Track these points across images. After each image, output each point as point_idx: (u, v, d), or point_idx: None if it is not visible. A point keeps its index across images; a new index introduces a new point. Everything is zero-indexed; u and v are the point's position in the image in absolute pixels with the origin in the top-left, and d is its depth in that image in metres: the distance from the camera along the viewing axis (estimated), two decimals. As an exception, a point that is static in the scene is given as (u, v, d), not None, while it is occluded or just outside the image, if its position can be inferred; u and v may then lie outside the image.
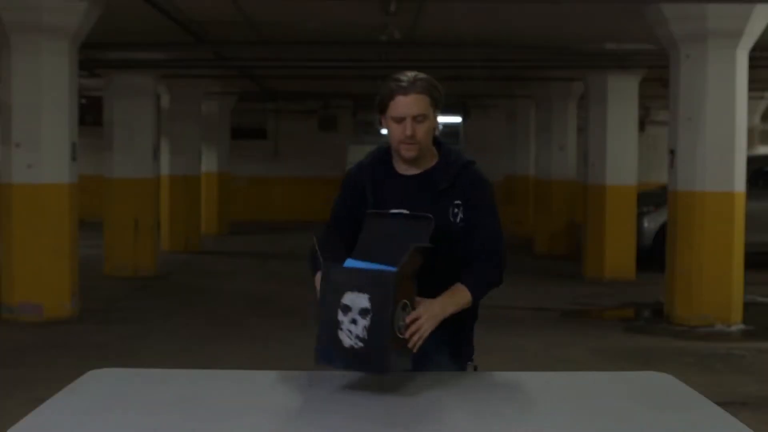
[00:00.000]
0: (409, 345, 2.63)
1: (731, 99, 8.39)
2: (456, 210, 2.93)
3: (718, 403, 2.63)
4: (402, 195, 2.94)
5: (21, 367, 6.79)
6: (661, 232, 11.30)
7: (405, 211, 2.88)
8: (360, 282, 2.55)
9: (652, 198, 12.73)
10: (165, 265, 12.47)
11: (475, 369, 3.10)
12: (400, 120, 2.87)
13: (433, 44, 11.26)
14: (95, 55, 10.97)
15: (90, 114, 16.52)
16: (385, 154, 3.05)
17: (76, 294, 8.73)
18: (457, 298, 2.87)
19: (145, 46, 11.24)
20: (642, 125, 16.95)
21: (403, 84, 2.86)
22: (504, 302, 10.03)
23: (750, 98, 9.61)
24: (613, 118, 11.76)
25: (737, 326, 8.46)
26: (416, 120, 2.86)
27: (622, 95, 11.78)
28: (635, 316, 9.69)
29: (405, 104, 2.85)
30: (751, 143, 15.21)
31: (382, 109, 2.91)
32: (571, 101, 14.57)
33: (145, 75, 11.75)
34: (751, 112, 14.06)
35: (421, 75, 2.91)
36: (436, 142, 3.03)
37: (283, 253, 14.60)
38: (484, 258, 2.95)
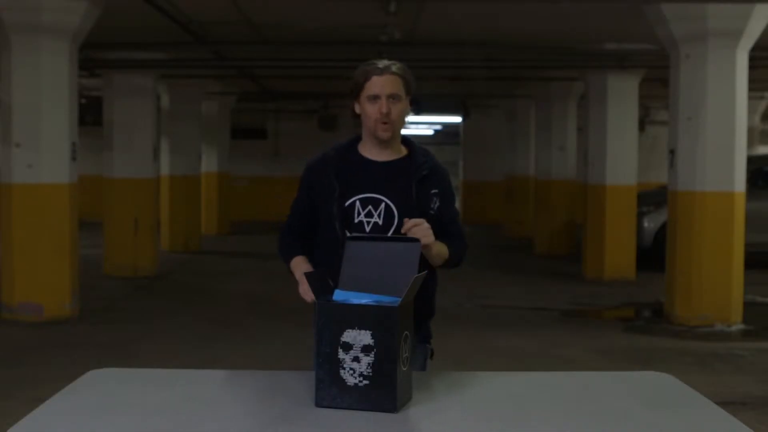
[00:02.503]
0: (405, 230, 2.75)
1: (731, 99, 8.39)
2: (435, 199, 3.01)
3: (718, 403, 2.64)
4: (374, 179, 2.97)
5: (21, 367, 6.79)
6: (661, 232, 11.32)
7: (373, 232, 2.92)
8: (360, 318, 2.47)
9: (652, 198, 12.73)
10: (165, 265, 12.47)
11: (432, 353, 3.16)
12: (375, 99, 2.93)
13: (433, 44, 11.26)
14: (95, 55, 10.98)
15: (90, 114, 16.52)
16: (351, 144, 3.07)
17: (76, 294, 8.73)
18: (441, 244, 2.96)
19: (145, 46, 11.24)
20: (642, 125, 16.97)
21: (378, 66, 2.95)
22: (504, 302, 10.06)
23: (750, 98, 9.61)
24: (613, 118, 11.77)
25: (737, 326, 8.46)
26: (391, 99, 2.93)
27: (622, 95, 11.79)
28: (635, 316, 9.69)
29: (380, 83, 2.93)
30: (751, 143, 15.23)
31: (357, 91, 2.97)
32: (571, 101, 14.58)
33: (145, 75, 11.75)
34: (751, 112, 14.10)
35: (394, 62, 3.01)
36: (403, 138, 3.10)
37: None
38: (459, 243, 3.08)
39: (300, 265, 2.95)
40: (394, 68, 2.96)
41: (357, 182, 2.96)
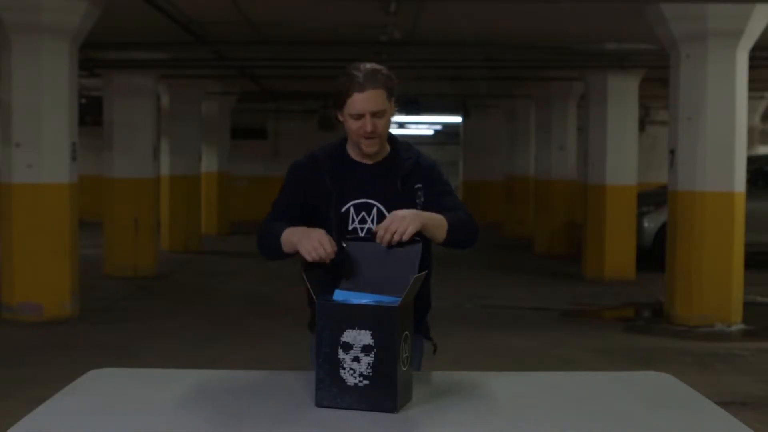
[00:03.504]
0: (383, 243, 2.68)
1: (731, 99, 8.39)
2: (420, 193, 2.96)
3: (718, 403, 2.63)
4: (365, 182, 2.93)
5: (21, 367, 6.78)
6: (661, 232, 11.31)
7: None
8: (360, 318, 2.46)
9: (652, 198, 12.73)
10: (165, 265, 12.47)
11: (435, 347, 3.10)
12: (358, 117, 2.85)
13: (434, 44, 11.26)
14: (95, 55, 10.98)
15: (90, 114, 16.51)
16: (339, 145, 3.02)
17: (76, 294, 8.73)
18: (433, 215, 2.85)
19: (145, 46, 11.24)
20: (642, 125, 16.95)
21: (359, 80, 2.82)
22: (504, 302, 10.06)
23: (750, 98, 9.61)
24: (613, 118, 11.77)
25: (737, 326, 8.46)
26: (375, 115, 2.85)
27: (622, 95, 11.79)
28: (635, 316, 9.69)
29: (363, 101, 2.83)
30: (751, 143, 15.22)
31: (339, 105, 2.89)
32: (571, 101, 14.58)
33: (145, 75, 11.75)
34: (751, 112, 14.08)
35: (376, 67, 2.89)
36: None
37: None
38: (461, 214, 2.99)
39: (297, 229, 2.80)
40: (376, 80, 2.83)
41: (350, 187, 2.92)
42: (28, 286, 8.41)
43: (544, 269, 12.81)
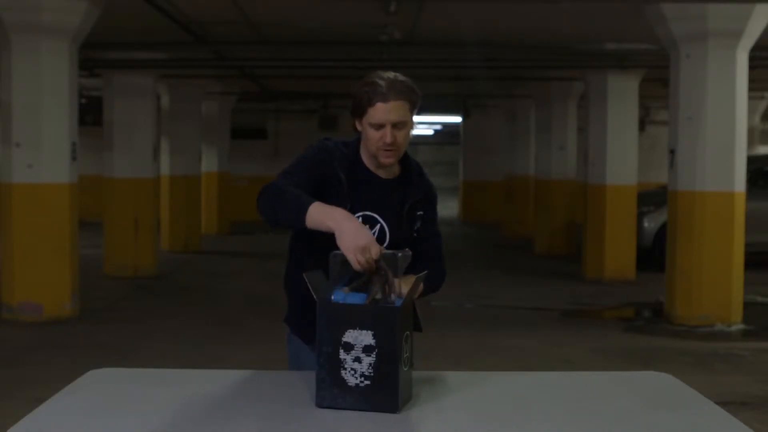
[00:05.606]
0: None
1: (731, 99, 8.39)
2: (418, 222, 2.95)
3: (718, 403, 2.63)
4: (376, 196, 2.89)
5: (21, 367, 6.79)
6: (661, 232, 11.31)
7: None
8: (362, 319, 2.46)
9: (652, 198, 12.74)
10: (165, 265, 12.47)
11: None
12: (379, 127, 2.78)
13: (434, 44, 11.26)
14: (95, 55, 10.98)
15: (90, 114, 16.52)
16: (353, 148, 2.93)
17: (76, 294, 8.73)
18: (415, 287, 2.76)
19: (145, 46, 11.25)
20: (642, 125, 16.97)
21: (383, 90, 2.75)
22: (504, 302, 10.06)
23: (750, 98, 9.61)
24: (613, 118, 11.77)
25: (737, 326, 8.46)
26: (396, 127, 2.79)
27: (622, 95, 11.79)
28: (635, 316, 9.69)
29: (385, 111, 2.76)
30: (751, 143, 15.23)
31: (359, 113, 2.81)
32: (571, 101, 14.59)
33: (145, 75, 11.75)
34: (751, 112, 14.09)
35: (400, 77, 2.81)
36: None
37: (282, 253, 14.54)
38: (435, 266, 2.95)
39: (336, 210, 2.63)
40: (399, 91, 2.76)
41: (362, 198, 2.87)
42: (28, 286, 8.41)
43: (544, 269, 12.81)
